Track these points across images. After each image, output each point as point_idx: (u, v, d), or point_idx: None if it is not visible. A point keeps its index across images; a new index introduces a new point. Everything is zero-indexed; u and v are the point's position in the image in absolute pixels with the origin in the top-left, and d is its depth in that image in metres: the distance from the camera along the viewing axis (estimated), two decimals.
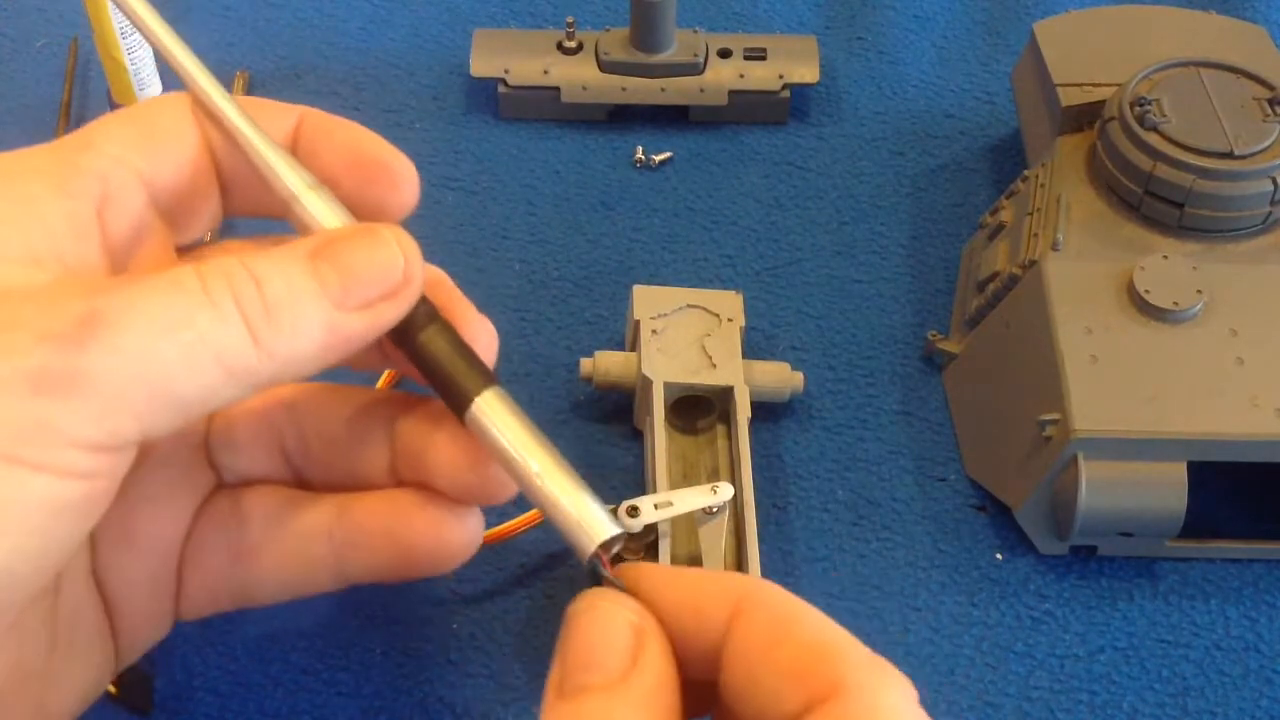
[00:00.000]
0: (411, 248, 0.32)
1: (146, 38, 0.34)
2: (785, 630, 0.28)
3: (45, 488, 0.27)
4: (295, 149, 0.34)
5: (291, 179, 0.33)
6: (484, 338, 0.35)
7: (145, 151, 0.33)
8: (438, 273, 0.36)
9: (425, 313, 0.33)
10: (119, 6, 0.34)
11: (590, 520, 0.32)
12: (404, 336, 0.33)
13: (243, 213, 0.36)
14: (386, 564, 0.35)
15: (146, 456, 0.32)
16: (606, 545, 0.32)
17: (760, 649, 0.28)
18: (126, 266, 0.33)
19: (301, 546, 0.35)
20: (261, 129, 0.33)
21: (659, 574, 0.30)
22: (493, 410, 0.33)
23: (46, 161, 0.31)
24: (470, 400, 0.33)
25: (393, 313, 0.32)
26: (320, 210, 0.33)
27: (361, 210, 0.34)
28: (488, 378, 0.33)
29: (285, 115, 0.35)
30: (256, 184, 0.34)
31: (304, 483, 0.37)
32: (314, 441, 0.36)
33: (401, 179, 0.34)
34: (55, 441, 0.27)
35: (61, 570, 0.33)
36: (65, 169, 0.31)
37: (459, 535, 0.35)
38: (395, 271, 0.31)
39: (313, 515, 0.35)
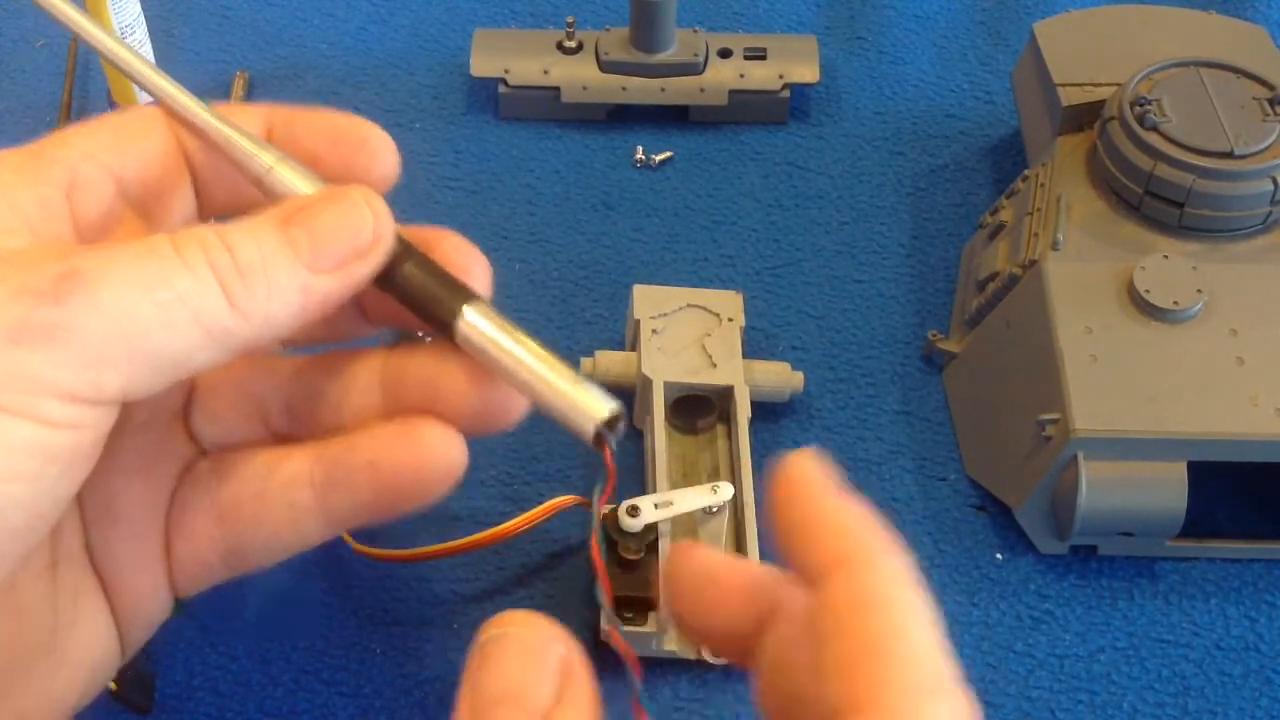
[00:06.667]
0: (380, 207, 0.33)
1: (110, 58, 0.35)
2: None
3: (28, 433, 0.27)
4: (272, 140, 0.35)
5: (264, 156, 0.34)
6: (462, 258, 0.34)
7: (113, 147, 0.34)
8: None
9: (401, 251, 0.33)
10: (76, 30, 0.35)
11: (589, 402, 0.32)
12: (383, 278, 0.33)
13: (219, 211, 0.36)
14: (369, 499, 0.34)
15: (122, 428, 0.32)
16: (611, 424, 0.32)
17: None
18: None
19: (284, 496, 0.35)
20: (227, 119, 0.34)
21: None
22: (477, 322, 0.33)
23: (16, 157, 0.32)
24: (455, 316, 0.33)
25: (364, 270, 0.32)
26: (293, 180, 0.33)
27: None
28: (468, 294, 0.33)
29: (253, 113, 0.36)
30: (230, 178, 0.35)
31: (286, 441, 0.37)
32: (301, 404, 0.36)
33: (379, 148, 0.35)
34: (35, 389, 0.27)
35: (56, 541, 0.33)
36: (33, 160, 0.32)
37: (439, 458, 0.34)
38: (365, 232, 0.32)
39: (292, 463, 0.35)
